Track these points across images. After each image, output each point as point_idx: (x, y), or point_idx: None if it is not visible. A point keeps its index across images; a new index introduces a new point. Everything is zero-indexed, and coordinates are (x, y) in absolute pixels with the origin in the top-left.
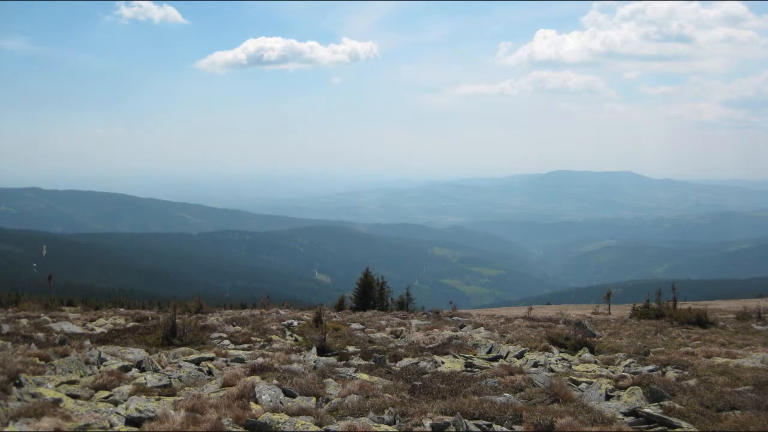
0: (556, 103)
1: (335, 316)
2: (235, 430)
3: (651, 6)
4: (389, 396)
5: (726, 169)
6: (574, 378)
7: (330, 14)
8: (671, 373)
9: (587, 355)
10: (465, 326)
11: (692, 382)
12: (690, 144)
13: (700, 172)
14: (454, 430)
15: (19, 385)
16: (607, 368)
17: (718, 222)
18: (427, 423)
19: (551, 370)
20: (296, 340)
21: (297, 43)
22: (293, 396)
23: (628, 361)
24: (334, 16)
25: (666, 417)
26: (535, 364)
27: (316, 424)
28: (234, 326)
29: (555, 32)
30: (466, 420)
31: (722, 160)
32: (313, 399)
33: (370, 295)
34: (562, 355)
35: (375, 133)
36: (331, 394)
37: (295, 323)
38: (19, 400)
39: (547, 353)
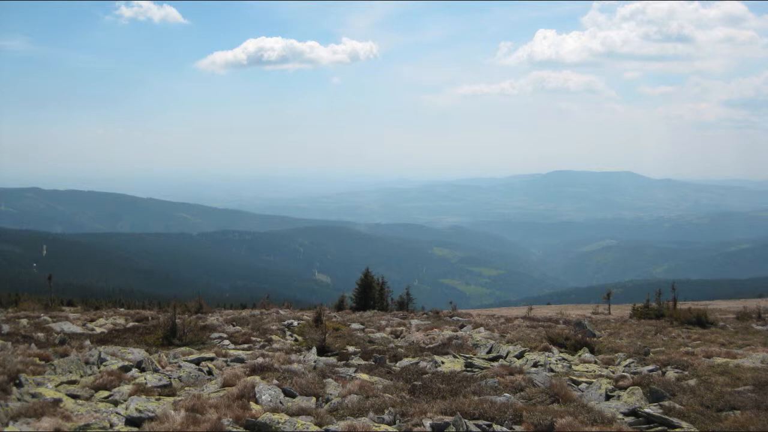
0: (556, 103)
1: (335, 316)
2: (235, 430)
3: (651, 6)
4: (389, 396)
5: (726, 169)
6: (574, 378)
7: (330, 14)
8: (671, 373)
9: (587, 355)
10: (465, 326)
11: (692, 382)
12: (690, 144)
13: (700, 172)
14: (454, 430)
15: (19, 385)
16: (607, 368)
17: (718, 222)
18: (427, 423)
19: (551, 370)
20: (296, 340)
21: (297, 43)
22: (293, 396)
23: (628, 361)
24: (334, 16)
25: (666, 417)
26: (535, 364)
27: (316, 424)
28: (234, 326)
29: (555, 32)
30: (466, 420)
31: (722, 160)
32: (313, 399)
33: (370, 295)
34: (562, 355)
35: (375, 133)
36: (331, 394)
37: (295, 323)
38: (19, 400)
39: (547, 353)
